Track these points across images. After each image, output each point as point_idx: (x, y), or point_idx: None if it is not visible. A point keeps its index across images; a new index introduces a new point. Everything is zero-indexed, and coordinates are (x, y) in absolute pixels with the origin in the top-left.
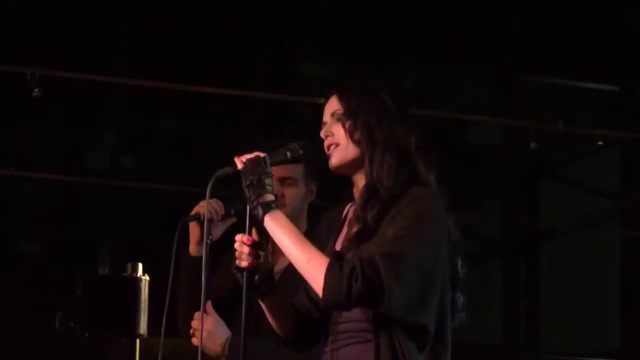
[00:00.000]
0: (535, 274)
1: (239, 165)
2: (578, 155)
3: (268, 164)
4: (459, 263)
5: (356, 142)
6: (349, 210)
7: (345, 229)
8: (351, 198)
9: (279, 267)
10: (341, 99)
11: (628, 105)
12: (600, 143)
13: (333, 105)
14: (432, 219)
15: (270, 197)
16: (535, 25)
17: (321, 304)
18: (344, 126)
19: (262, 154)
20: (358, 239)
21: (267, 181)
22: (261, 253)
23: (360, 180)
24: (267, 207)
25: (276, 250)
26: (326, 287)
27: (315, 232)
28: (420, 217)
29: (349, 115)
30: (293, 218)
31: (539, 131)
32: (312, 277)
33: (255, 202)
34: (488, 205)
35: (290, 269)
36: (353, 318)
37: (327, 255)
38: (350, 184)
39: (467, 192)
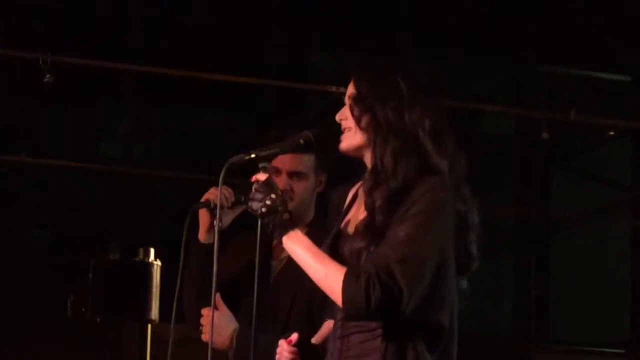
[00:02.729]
0: (546, 264)
1: (253, 191)
2: (590, 145)
3: (276, 186)
4: (473, 248)
5: (363, 128)
6: (359, 188)
7: (354, 207)
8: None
9: (279, 261)
10: (355, 82)
11: None
12: (612, 133)
13: (349, 89)
14: (443, 212)
15: (285, 216)
16: (548, 15)
17: (343, 315)
18: (352, 111)
19: (263, 177)
20: (367, 228)
21: (281, 203)
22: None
23: (368, 162)
24: (283, 229)
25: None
26: (345, 299)
27: (326, 214)
28: (431, 211)
29: (358, 100)
30: (300, 210)
31: (551, 121)
32: (331, 291)
33: (271, 227)
34: (500, 196)
35: (291, 262)
36: None
37: (335, 234)
38: (363, 165)
39: (479, 182)
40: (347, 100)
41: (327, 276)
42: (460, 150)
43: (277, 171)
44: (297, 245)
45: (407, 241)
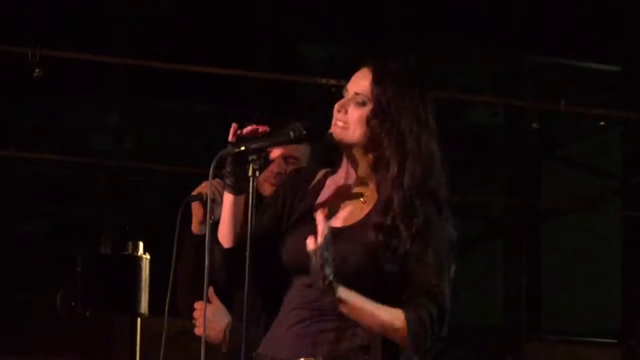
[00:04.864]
0: (537, 254)
1: (317, 243)
2: (580, 135)
3: (330, 245)
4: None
5: (372, 136)
6: (326, 178)
7: (321, 197)
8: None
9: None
10: (374, 85)
11: (630, 85)
12: (602, 123)
13: (362, 85)
14: (449, 244)
15: (332, 274)
16: (537, 4)
17: (403, 351)
18: (367, 120)
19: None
20: (390, 236)
21: (330, 259)
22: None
23: (354, 156)
24: (337, 286)
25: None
26: (413, 342)
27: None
28: (447, 233)
29: (378, 113)
30: None
31: (541, 111)
32: (396, 336)
33: (326, 281)
34: (490, 186)
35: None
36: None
37: (300, 214)
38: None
39: (469, 172)
40: (352, 93)
41: (393, 324)
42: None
43: (295, 160)
44: (356, 301)
45: (439, 265)
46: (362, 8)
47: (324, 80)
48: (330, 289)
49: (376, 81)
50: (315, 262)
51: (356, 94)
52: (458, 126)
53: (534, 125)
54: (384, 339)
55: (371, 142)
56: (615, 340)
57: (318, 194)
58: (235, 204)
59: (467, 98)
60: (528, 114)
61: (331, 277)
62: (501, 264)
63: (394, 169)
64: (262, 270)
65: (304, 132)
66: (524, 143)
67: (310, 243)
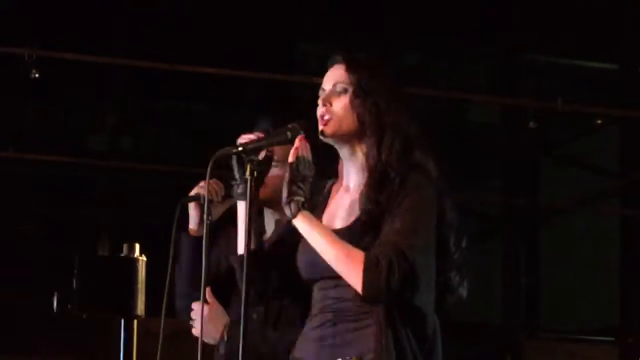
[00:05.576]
0: (536, 253)
1: (291, 158)
2: (578, 133)
3: (312, 169)
4: (452, 241)
5: (359, 120)
6: (332, 188)
7: (329, 206)
8: (333, 174)
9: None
10: (350, 72)
11: (627, 84)
12: (599, 122)
13: (338, 75)
14: (432, 207)
15: (303, 199)
16: (534, 3)
17: (361, 297)
18: (351, 103)
19: (310, 157)
20: (370, 219)
21: (307, 185)
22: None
23: (351, 156)
24: (300, 206)
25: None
26: (366, 282)
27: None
28: (424, 206)
29: (359, 94)
30: (274, 199)
31: (538, 110)
32: (348, 272)
33: (287, 199)
34: (488, 185)
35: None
36: (348, 298)
37: None
38: (336, 157)
39: (467, 171)
40: (329, 85)
41: (347, 258)
42: (437, 150)
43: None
44: (311, 224)
45: (412, 230)
46: (360, 7)
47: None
48: (292, 206)
49: (350, 68)
50: (287, 176)
51: (334, 85)
52: (456, 125)
53: (532, 124)
54: (394, 338)
55: (362, 127)
56: (613, 339)
57: (326, 204)
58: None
59: (465, 97)
60: (525, 113)
61: (296, 198)
62: (500, 263)
63: (373, 143)
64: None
65: (301, 133)
66: (522, 142)
67: (291, 156)
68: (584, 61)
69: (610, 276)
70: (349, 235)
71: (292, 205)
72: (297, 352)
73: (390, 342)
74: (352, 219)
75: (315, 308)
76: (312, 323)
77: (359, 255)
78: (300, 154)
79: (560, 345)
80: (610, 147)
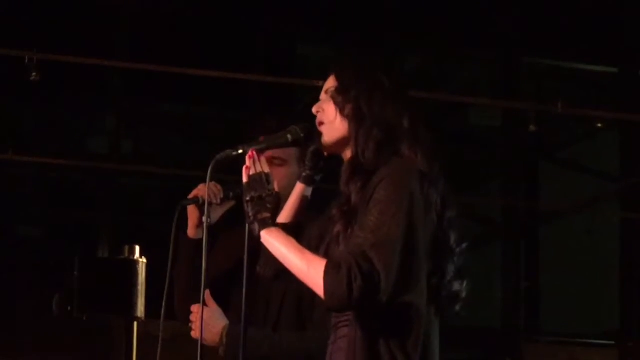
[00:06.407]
0: (535, 256)
1: (244, 179)
2: (578, 137)
3: (270, 182)
4: (452, 239)
5: (345, 118)
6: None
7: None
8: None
9: None
10: (336, 76)
11: (627, 87)
12: (599, 125)
13: (329, 83)
14: (406, 194)
15: (267, 214)
16: (534, 6)
17: (326, 307)
18: (335, 102)
19: (265, 170)
20: (346, 219)
21: (268, 199)
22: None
23: (346, 156)
24: (264, 224)
25: None
26: (327, 290)
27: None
28: (395, 194)
29: (340, 91)
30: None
31: (538, 113)
32: (313, 283)
33: (252, 218)
34: (488, 188)
35: None
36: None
37: (316, 243)
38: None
39: (467, 174)
40: (323, 95)
41: (309, 269)
42: (435, 149)
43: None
44: (275, 240)
45: (376, 227)
46: (361, 10)
47: (321, 83)
48: (256, 227)
49: (337, 71)
50: (244, 197)
51: (326, 92)
52: (456, 128)
53: (532, 127)
54: (369, 350)
55: (350, 130)
56: (613, 342)
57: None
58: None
59: (465, 100)
60: (525, 116)
61: (260, 217)
62: (499, 266)
63: (353, 135)
64: None
65: (302, 135)
66: (522, 145)
67: (244, 176)
68: (584, 64)
69: (610, 280)
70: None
71: (256, 225)
72: None
73: (363, 355)
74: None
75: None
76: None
77: (320, 264)
78: (251, 172)
79: (560, 349)
80: (610, 151)
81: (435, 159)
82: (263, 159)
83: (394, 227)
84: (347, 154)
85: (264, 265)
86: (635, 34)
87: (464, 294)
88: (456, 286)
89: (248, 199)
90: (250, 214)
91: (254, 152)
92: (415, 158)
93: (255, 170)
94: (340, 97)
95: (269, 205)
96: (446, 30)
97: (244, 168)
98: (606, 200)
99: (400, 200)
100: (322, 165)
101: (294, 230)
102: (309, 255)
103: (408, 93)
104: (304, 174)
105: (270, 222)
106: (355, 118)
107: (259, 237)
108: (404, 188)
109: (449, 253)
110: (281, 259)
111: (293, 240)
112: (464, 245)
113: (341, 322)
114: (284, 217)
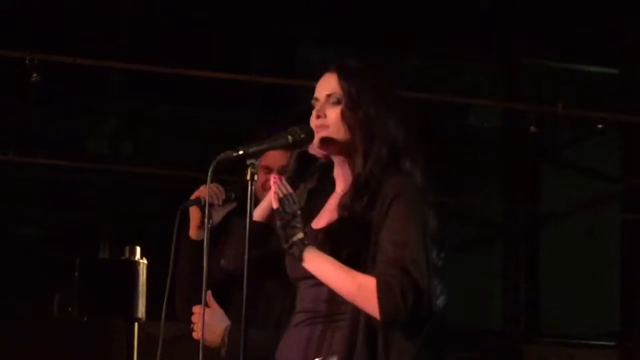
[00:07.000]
0: (536, 257)
1: (274, 205)
2: (578, 138)
3: (297, 202)
4: (435, 252)
5: (350, 130)
6: (331, 199)
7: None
8: (331, 185)
9: None
10: (342, 82)
11: (628, 88)
12: (600, 126)
13: (331, 86)
14: (421, 212)
15: (301, 234)
16: (534, 7)
17: (380, 325)
18: (342, 115)
19: (290, 191)
20: (345, 226)
21: (298, 219)
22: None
23: (342, 164)
24: (303, 245)
25: None
26: (384, 310)
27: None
28: (414, 212)
29: (350, 105)
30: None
31: (538, 114)
32: (365, 302)
33: (290, 242)
34: (488, 189)
35: None
36: (323, 299)
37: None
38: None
39: (467, 176)
40: (323, 97)
41: (359, 290)
42: (423, 161)
43: (269, 170)
44: (319, 262)
45: (411, 245)
46: (361, 10)
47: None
48: (295, 250)
49: (342, 77)
50: (278, 223)
51: (328, 95)
52: (457, 129)
53: (532, 128)
54: (368, 341)
55: (353, 137)
56: (613, 344)
57: (321, 208)
58: None
59: (466, 101)
60: (526, 118)
61: (295, 239)
62: (500, 268)
63: (362, 153)
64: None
65: (303, 136)
66: (522, 146)
67: (273, 202)
68: (584, 66)
69: (611, 281)
70: (323, 236)
71: (294, 248)
72: (277, 351)
73: (362, 346)
74: (329, 221)
75: (296, 307)
76: (291, 322)
77: (370, 283)
78: (280, 195)
79: (561, 350)
80: (611, 152)
81: (425, 170)
82: (284, 180)
83: (420, 243)
84: (341, 159)
85: (229, 258)
86: (635, 34)
87: (443, 304)
88: (439, 293)
89: (282, 223)
90: (287, 238)
91: (277, 176)
92: (416, 174)
93: (282, 193)
94: (349, 113)
95: (298, 225)
96: (447, 31)
97: (272, 193)
98: (607, 202)
99: (417, 217)
100: (305, 170)
101: (267, 229)
102: (354, 273)
103: (402, 102)
104: (285, 175)
105: (307, 242)
106: (364, 136)
107: (300, 259)
108: (418, 206)
109: (433, 265)
110: (325, 280)
111: (332, 259)
112: (443, 255)
113: (338, 314)
114: (258, 215)
